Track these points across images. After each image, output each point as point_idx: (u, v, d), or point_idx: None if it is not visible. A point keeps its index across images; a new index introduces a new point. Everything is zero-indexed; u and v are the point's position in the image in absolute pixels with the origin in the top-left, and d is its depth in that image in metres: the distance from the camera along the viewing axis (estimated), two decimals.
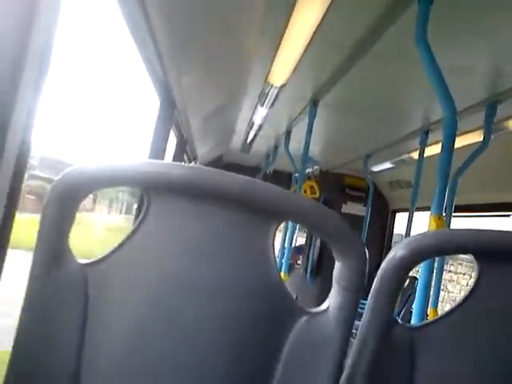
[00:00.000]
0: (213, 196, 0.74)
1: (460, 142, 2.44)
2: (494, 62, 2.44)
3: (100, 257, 0.77)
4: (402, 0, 1.92)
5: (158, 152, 3.21)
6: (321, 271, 6.66)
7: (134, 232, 0.76)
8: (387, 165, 5.32)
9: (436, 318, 0.84)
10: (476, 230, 0.81)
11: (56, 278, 0.75)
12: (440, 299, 3.40)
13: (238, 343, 0.77)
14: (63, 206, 0.74)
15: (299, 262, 7.32)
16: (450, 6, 1.89)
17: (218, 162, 6.66)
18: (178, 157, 4.38)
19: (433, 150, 3.80)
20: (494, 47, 2.24)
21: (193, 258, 0.76)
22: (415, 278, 4.59)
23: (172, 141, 3.91)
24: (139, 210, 3.00)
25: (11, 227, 0.99)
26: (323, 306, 0.79)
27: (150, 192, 0.76)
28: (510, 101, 2.79)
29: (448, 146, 1.92)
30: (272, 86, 3.13)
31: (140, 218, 0.76)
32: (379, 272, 0.80)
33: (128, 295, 0.77)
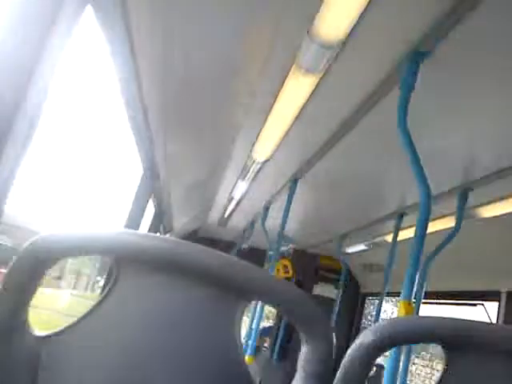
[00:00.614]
0: (185, 270, 0.73)
1: (433, 227, 2.50)
2: (467, 150, 2.57)
3: (58, 329, 0.73)
4: (384, 84, 2.04)
5: (134, 222, 3.20)
6: (288, 355, 6.47)
7: (98, 303, 0.74)
8: (361, 246, 5.39)
9: None
10: (445, 318, 0.80)
11: (7, 350, 0.71)
12: None
13: None
14: (30, 273, 0.70)
15: (266, 344, 7.13)
16: (430, 92, 2.02)
17: (193, 236, 6.63)
18: (154, 228, 4.37)
19: (407, 234, 3.88)
20: (469, 134, 2.37)
21: (158, 331, 0.74)
22: (381, 367, 4.50)
23: (150, 212, 3.92)
24: (107, 280, 2.93)
25: None
26: None
27: (120, 262, 0.74)
28: (481, 189, 2.91)
29: (421, 231, 1.94)
30: (255, 161, 3.21)
31: (107, 288, 0.74)
32: (344, 359, 0.78)
33: (84, 368, 0.73)
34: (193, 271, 0.73)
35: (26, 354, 0.72)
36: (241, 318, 0.75)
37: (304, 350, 0.75)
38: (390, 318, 0.85)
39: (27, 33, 0.98)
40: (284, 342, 6.58)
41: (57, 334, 0.73)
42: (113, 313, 0.74)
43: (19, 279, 0.70)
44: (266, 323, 7.71)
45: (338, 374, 0.77)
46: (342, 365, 0.77)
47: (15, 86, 0.96)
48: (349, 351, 0.77)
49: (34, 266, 0.70)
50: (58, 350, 0.72)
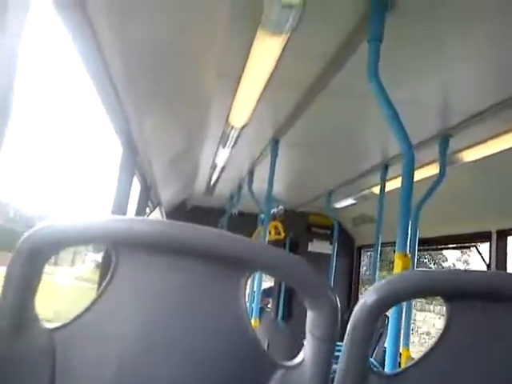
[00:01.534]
0: (184, 250, 0.74)
1: (419, 175, 2.50)
2: (443, 96, 2.54)
3: (68, 320, 0.74)
4: (353, 37, 1.99)
5: (122, 200, 3.18)
6: (292, 314, 6.58)
7: (102, 291, 0.75)
8: (350, 201, 5.41)
9: (410, 363, 0.84)
10: (445, 271, 0.82)
11: (22, 345, 0.72)
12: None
13: None
14: (30, 265, 0.71)
15: (269, 305, 7.23)
16: (399, 41, 1.98)
17: (182, 207, 6.63)
18: (142, 204, 4.35)
19: (394, 184, 3.89)
20: (443, 80, 2.34)
21: (164, 314, 0.75)
22: (386, 316, 4.59)
23: (136, 188, 3.89)
24: (104, 267, 2.93)
25: None
26: (298, 359, 0.78)
27: (118, 248, 0.75)
28: (461, 134, 2.90)
29: (407, 180, 1.95)
30: (233, 127, 3.17)
31: (108, 275, 0.75)
32: (351, 319, 0.79)
33: (99, 357, 0.74)
34: (191, 250, 0.74)
35: (41, 346, 0.73)
36: (244, 290, 0.76)
37: (310, 315, 0.77)
38: (392, 276, 0.86)
39: None
40: (286, 302, 6.67)
41: (67, 325, 0.74)
42: (118, 300, 0.75)
43: (21, 271, 0.71)
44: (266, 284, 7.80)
45: (346, 335, 0.79)
46: (348, 325, 0.79)
47: None
48: (354, 311, 0.79)
49: (34, 258, 0.71)
50: (71, 341, 0.73)
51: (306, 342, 0.78)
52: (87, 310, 0.74)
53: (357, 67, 2.05)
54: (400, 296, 0.82)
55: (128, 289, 0.75)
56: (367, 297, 0.79)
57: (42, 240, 0.71)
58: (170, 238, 0.73)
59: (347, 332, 0.80)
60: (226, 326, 0.76)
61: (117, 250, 0.75)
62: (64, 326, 0.74)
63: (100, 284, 2.77)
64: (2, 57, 0.96)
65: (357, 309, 0.80)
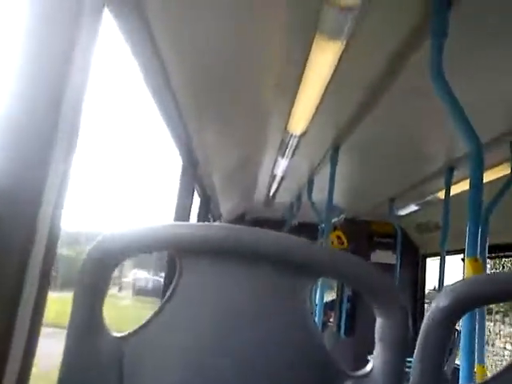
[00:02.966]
0: (250, 256, 0.73)
1: (487, 177, 2.38)
2: None
3: (135, 328, 0.75)
4: (414, 35, 1.94)
5: (183, 212, 3.23)
6: (355, 327, 6.41)
7: (168, 298, 0.74)
8: (413, 207, 5.26)
9: (487, 379, 0.77)
10: None
11: (91, 353, 0.73)
12: None
13: None
14: (98, 274, 0.73)
15: (331, 319, 7.10)
16: (465, 38, 1.91)
17: (241, 219, 6.66)
18: (202, 216, 4.40)
19: (459, 187, 3.75)
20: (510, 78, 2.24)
21: (232, 322, 0.74)
22: (456, 331, 4.37)
23: (196, 201, 3.93)
24: (169, 276, 2.97)
25: (45, 304, 0.98)
26: (367, 368, 0.75)
27: (183, 255, 0.74)
28: None
29: (476, 182, 1.86)
30: (292, 135, 3.15)
31: (173, 283, 0.75)
32: (423, 326, 0.75)
33: (166, 365, 0.74)
34: (258, 256, 0.73)
35: (110, 352, 0.74)
36: (311, 297, 0.76)
37: (380, 322, 0.74)
38: (466, 279, 0.81)
39: (53, 36, 0.97)
40: (349, 316, 6.52)
41: (134, 334, 0.75)
42: (183, 307, 0.74)
43: (90, 278, 0.73)
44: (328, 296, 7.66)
45: (418, 343, 0.75)
46: (420, 333, 0.75)
47: (51, 88, 0.96)
48: (426, 318, 0.76)
49: (102, 266, 0.72)
50: (138, 349, 0.74)
51: (375, 352, 0.75)
52: (153, 318, 0.74)
53: (420, 66, 1.99)
54: (478, 298, 0.77)
55: (193, 296, 0.75)
56: (440, 300, 0.75)
57: (109, 247, 0.73)
58: (236, 242, 0.72)
59: (419, 339, 0.75)
60: (294, 333, 0.74)
61: (181, 257, 0.74)
62: (131, 334, 0.75)
63: (164, 293, 2.79)
64: (75, 71, 0.98)
65: (429, 314, 0.75)
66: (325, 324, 6.61)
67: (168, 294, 0.75)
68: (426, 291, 6.60)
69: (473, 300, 0.76)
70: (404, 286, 5.95)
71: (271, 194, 5.23)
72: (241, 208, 6.48)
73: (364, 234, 6.56)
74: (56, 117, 0.94)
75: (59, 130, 0.95)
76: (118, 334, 0.75)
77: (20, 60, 0.94)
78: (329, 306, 6.80)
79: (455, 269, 4.94)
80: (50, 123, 0.94)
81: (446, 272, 4.31)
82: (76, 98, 1.03)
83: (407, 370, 0.74)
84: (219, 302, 0.74)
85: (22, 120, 0.92)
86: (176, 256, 0.74)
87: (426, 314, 0.76)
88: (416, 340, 0.76)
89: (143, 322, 0.75)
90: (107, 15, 1.32)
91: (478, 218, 1.88)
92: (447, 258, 4.28)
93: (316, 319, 4.03)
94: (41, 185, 0.91)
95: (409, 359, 0.72)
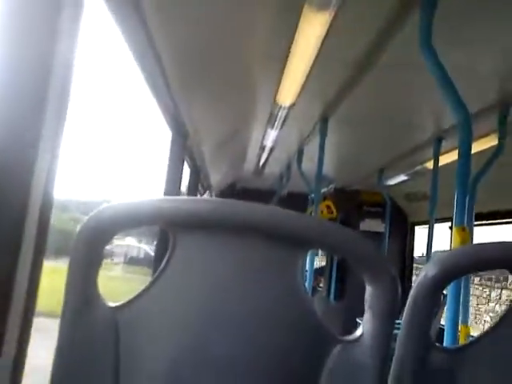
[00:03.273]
0: (241, 228, 0.74)
1: (475, 147, 2.40)
2: (503, 63, 2.42)
3: (129, 299, 0.76)
4: (403, 7, 1.92)
5: (173, 184, 3.22)
6: (344, 294, 6.53)
7: (162, 270, 0.76)
8: (402, 177, 5.29)
9: (473, 339, 0.82)
10: (508, 242, 0.79)
11: (87, 323, 0.75)
12: None
13: (274, 376, 0.76)
14: (91, 248, 0.74)
15: (321, 284, 7.21)
16: (454, 7, 1.89)
17: (231, 189, 6.67)
18: (192, 187, 4.40)
19: (448, 158, 3.77)
20: (502, 48, 2.23)
21: (224, 293, 0.76)
22: (442, 294, 4.45)
23: (185, 171, 3.93)
24: (161, 248, 3.00)
25: (39, 276, 0.99)
26: (357, 333, 0.78)
27: (175, 228, 0.75)
28: None
29: (465, 152, 1.88)
30: (281, 106, 3.13)
31: (167, 256, 0.76)
32: (411, 293, 0.78)
33: (160, 335, 0.76)
34: (249, 228, 0.74)
35: (106, 322, 0.75)
36: (302, 267, 0.76)
37: (369, 290, 0.76)
38: (453, 249, 0.84)
39: (36, 21, 0.95)
40: (338, 281, 6.63)
41: (128, 304, 0.76)
42: (176, 279, 0.76)
43: (85, 249, 0.74)
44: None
45: (406, 309, 0.79)
46: (408, 299, 0.78)
47: (39, 53, 0.94)
48: (414, 285, 0.78)
49: (97, 237, 0.74)
50: (132, 319, 0.76)
51: (364, 317, 0.77)
52: (147, 290, 0.76)
53: (408, 37, 1.98)
54: (465, 269, 0.81)
55: (186, 268, 0.76)
56: (429, 270, 0.78)
57: (103, 220, 0.73)
58: (227, 216, 0.74)
59: (407, 306, 0.79)
60: (284, 301, 0.76)
61: (174, 231, 0.75)
62: (125, 305, 0.76)
63: (156, 266, 2.83)
64: (58, 53, 0.97)
65: (418, 282, 0.78)
66: (314, 289, 6.72)
67: (161, 266, 0.76)
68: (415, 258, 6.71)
69: (459, 269, 0.80)
70: (393, 254, 6.03)
71: (261, 164, 5.23)
72: (231, 178, 6.48)
73: (353, 203, 6.60)
74: (46, 85, 0.94)
75: (49, 98, 0.95)
76: (113, 304, 0.76)
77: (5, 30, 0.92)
78: (318, 272, 6.90)
79: (443, 235, 5.02)
80: (41, 88, 0.93)
81: (434, 238, 4.39)
82: (66, 64, 1.02)
83: (395, 331, 0.77)
84: (211, 274, 0.76)
85: (12, 88, 0.91)
86: (169, 230, 0.76)
87: (415, 283, 0.79)
88: (404, 305, 0.79)
89: (137, 292, 0.76)
90: None
91: (466, 188, 1.90)
92: (435, 225, 4.34)
93: (306, 285, 4.10)
94: (33, 152, 0.91)
95: (397, 321, 0.75)
